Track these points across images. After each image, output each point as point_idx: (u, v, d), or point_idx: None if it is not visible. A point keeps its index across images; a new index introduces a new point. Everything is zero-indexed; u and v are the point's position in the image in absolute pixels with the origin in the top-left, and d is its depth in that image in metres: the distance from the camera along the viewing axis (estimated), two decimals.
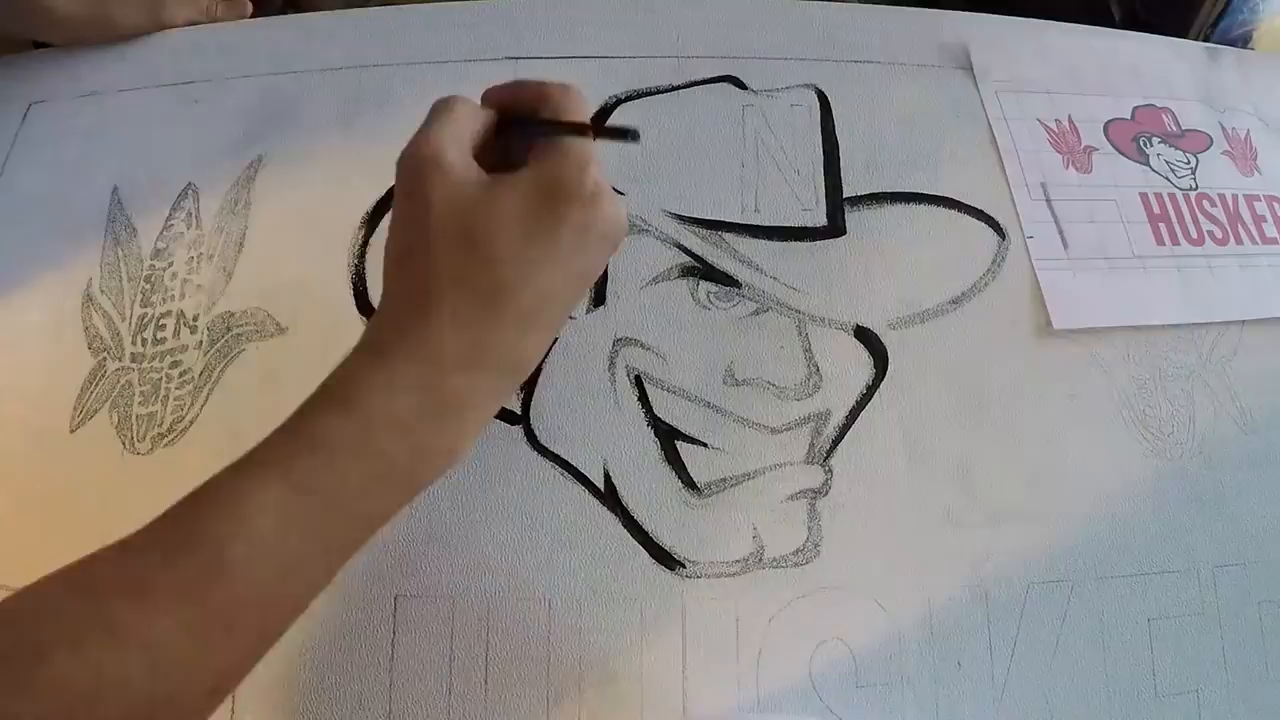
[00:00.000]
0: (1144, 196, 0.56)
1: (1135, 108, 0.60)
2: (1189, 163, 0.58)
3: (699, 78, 0.58)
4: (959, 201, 0.55)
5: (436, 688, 0.43)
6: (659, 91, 0.57)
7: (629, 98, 0.57)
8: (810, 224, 0.53)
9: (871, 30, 0.61)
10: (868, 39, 0.60)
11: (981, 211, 0.54)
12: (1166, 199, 0.56)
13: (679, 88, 0.57)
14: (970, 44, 0.60)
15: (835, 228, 0.53)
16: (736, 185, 0.54)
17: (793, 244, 0.53)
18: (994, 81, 0.59)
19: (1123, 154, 0.58)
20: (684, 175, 0.54)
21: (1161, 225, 0.55)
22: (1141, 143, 0.58)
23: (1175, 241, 0.55)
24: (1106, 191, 0.56)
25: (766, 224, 0.53)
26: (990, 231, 0.54)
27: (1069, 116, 0.59)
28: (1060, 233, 0.54)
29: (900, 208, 0.54)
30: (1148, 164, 0.58)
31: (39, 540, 0.46)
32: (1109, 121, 0.59)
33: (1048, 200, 0.55)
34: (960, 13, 0.63)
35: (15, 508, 0.47)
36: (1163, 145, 0.58)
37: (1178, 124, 0.60)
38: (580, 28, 0.59)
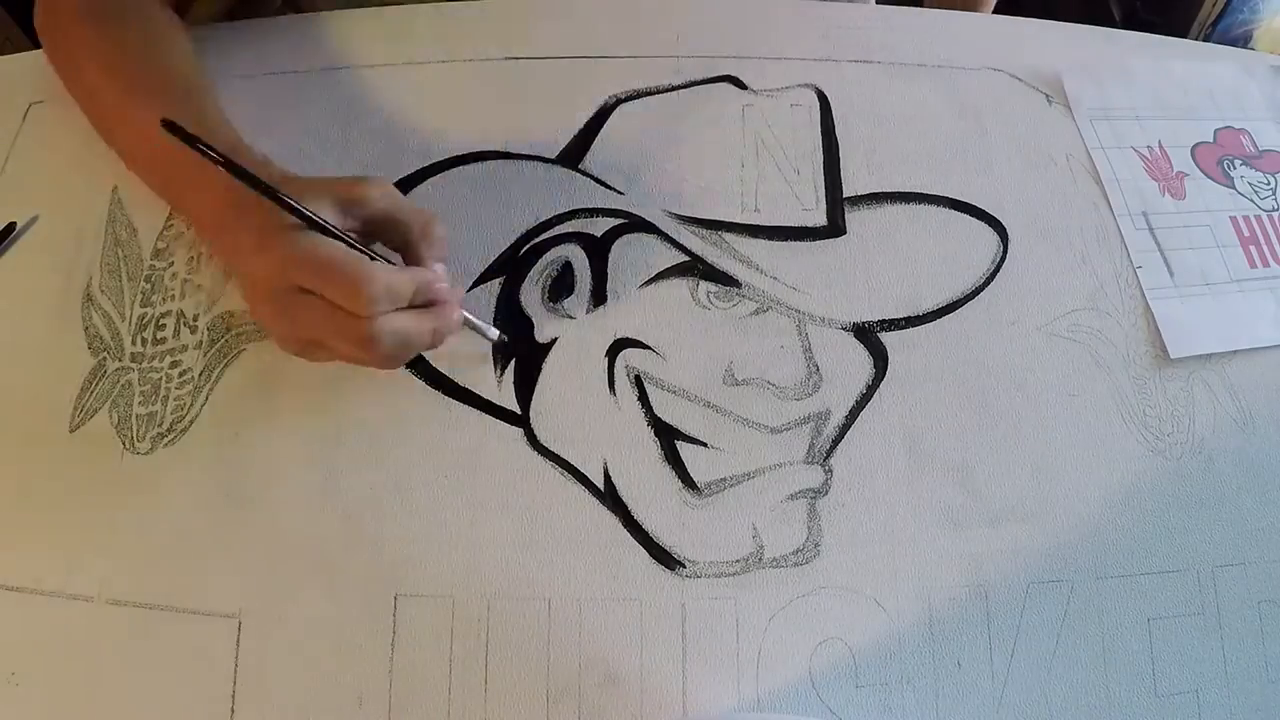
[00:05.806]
0: (1234, 220, 0.57)
1: (1217, 130, 0.60)
2: (1269, 183, 0.58)
3: (699, 78, 0.58)
4: (959, 201, 0.55)
5: (436, 688, 0.43)
6: (659, 91, 0.57)
7: (629, 98, 0.57)
8: (810, 224, 0.53)
9: (872, 29, 0.61)
10: (868, 38, 0.60)
11: (982, 211, 0.54)
12: (1254, 221, 0.57)
13: (679, 88, 0.57)
14: (1062, 71, 0.60)
15: (835, 228, 0.53)
16: (736, 185, 0.54)
17: (793, 244, 0.53)
18: (1087, 110, 0.59)
19: (1210, 178, 0.58)
20: (684, 175, 0.54)
21: (1252, 248, 0.56)
22: (1225, 165, 0.58)
23: (1266, 264, 0.55)
24: (1200, 217, 0.56)
25: (766, 224, 0.53)
26: (990, 231, 0.54)
27: (1159, 142, 0.58)
28: (1165, 261, 0.54)
29: (900, 207, 0.54)
30: (1233, 187, 0.58)
31: (39, 540, 0.46)
32: (1195, 145, 0.59)
33: (1150, 229, 0.55)
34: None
35: (15, 508, 0.47)
36: (1245, 167, 0.58)
37: (1255, 145, 0.60)
38: (579, 27, 0.59)
